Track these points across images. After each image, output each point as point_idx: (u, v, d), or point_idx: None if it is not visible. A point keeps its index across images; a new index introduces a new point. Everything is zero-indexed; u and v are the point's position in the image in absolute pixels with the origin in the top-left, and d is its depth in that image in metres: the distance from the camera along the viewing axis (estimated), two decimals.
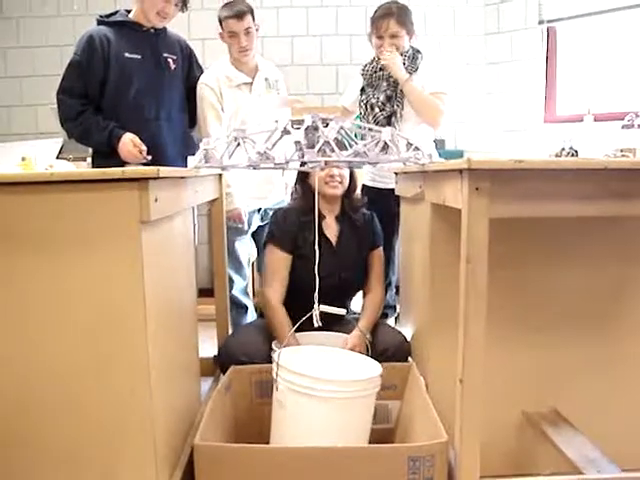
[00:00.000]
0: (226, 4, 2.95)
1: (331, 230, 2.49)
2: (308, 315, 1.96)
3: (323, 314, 1.99)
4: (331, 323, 2.23)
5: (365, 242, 2.55)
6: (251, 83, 3.04)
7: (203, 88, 2.96)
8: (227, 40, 2.97)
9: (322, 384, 1.73)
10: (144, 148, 2.59)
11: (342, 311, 2.01)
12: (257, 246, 3.24)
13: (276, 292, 2.38)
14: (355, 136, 1.81)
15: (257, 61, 3.11)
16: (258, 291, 3.65)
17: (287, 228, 2.45)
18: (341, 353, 2.07)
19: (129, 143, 2.59)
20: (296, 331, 2.09)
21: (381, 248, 2.60)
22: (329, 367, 1.95)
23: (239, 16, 2.86)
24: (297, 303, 2.20)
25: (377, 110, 2.99)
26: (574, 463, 1.67)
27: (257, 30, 2.98)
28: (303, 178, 2.48)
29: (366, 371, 1.89)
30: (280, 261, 2.43)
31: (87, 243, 1.46)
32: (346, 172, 2.44)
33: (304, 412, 1.76)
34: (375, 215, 2.62)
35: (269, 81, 3.11)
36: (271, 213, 2.63)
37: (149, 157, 2.59)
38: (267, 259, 2.49)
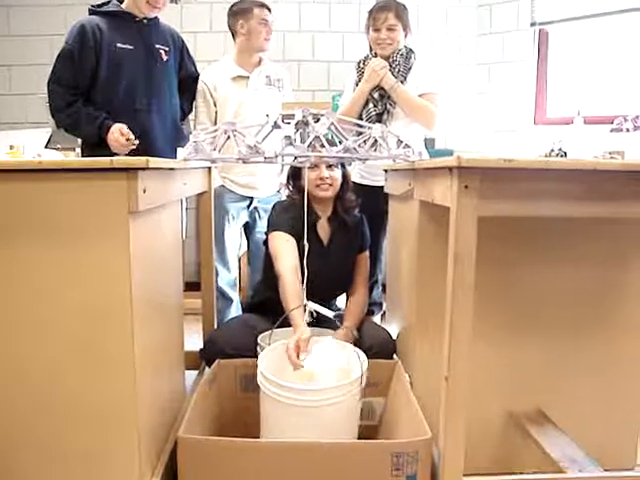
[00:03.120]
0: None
1: (324, 231, 2.48)
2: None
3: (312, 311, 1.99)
4: (318, 320, 2.23)
5: (354, 244, 2.55)
6: (248, 77, 3.11)
7: (199, 82, 3.11)
8: (254, 28, 3.11)
9: (301, 394, 1.73)
10: (132, 136, 2.57)
11: (330, 313, 2.01)
12: (247, 240, 3.30)
13: (286, 263, 2.25)
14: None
15: (262, 58, 3.25)
16: (245, 286, 3.67)
17: (289, 218, 2.40)
18: (326, 346, 2.06)
19: (116, 131, 2.57)
20: (284, 326, 2.09)
21: (367, 252, 2.60)
22: (312, 366, 1.95)
23: (269, 9, 3.15)
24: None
25: (371, 105, 3.00)
26: (557, 463, 1.68)
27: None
28: (295, 178, 2.46)
29: (351, 369, 1.88)
30: (287, 241, 2.32)
31: (74, 232, 1.46)
32: (338, 173, 2.42)
33: (290, 420, 1.76)
34: (365, 218, 2.62)
35: (270, 78, 3.20)
36: (271, 206, 2.61)
37: (137, 142, 2.57)
38: (272, 245, 2.39)
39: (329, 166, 2.38)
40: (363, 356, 1.95)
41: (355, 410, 1.87)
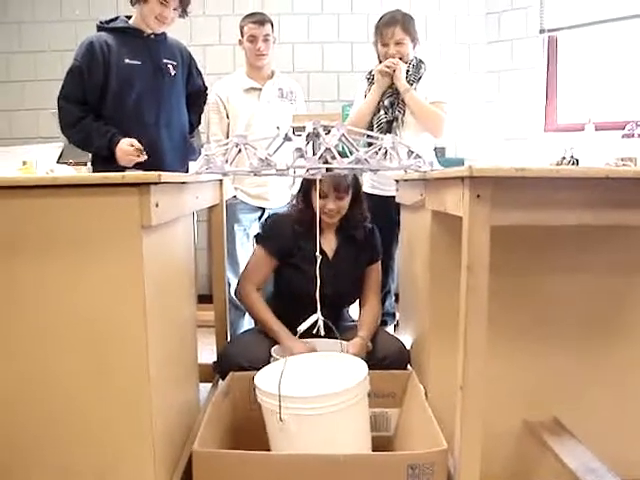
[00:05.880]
0: (249, 14, 3.21)
1: (328, 243, 2.48)
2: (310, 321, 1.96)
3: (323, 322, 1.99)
4: (332, 331, 2.22)
5: (363, 256, 2.53)
6: (260, 89, 3.14)
7: (213, 94, 3.17)
8: (246, 45, 3.18)
9: (302, 402, 1.71)
10: (141, 148, 2.59)
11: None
12: None
13: (254, 286, 2.45)
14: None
15: (274, 71, 3.29)
16: None
17: (278, 233, 2.47)
18: (325, 359, 2.04)
19: (126, 144, 2.59)
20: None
21: (379, 262, 2.58)
22: (312, 380, 1.94)
23: (260, 22, 3.12)
24: (293, 313, 2.19)
25: (382, 112, 3.00)
26: (574, 472, 1.66)
27: (274, 42, 3.21)
28: (306, 191, 2.45)
29: (350, 378, 1.85)
30: (263, 261, 2.47)
31: (88, 248, 1.46)
32: (346, 202, 2.40)
33: (300, 432, 1.74)
34: (376, 228, 2.60)
35: (283, 91, 3.23)
36: (265, 218, 2.64)
37: (145, 156, 2.59)
38: (252, 256, 2.55)
39: (338, 197, 2.36)
40: (364, 365, 1.92)
41: (362, 417, 1.85)
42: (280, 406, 1.70)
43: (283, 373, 1.74)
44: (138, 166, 2.58)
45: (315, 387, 1.80)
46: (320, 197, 2.27)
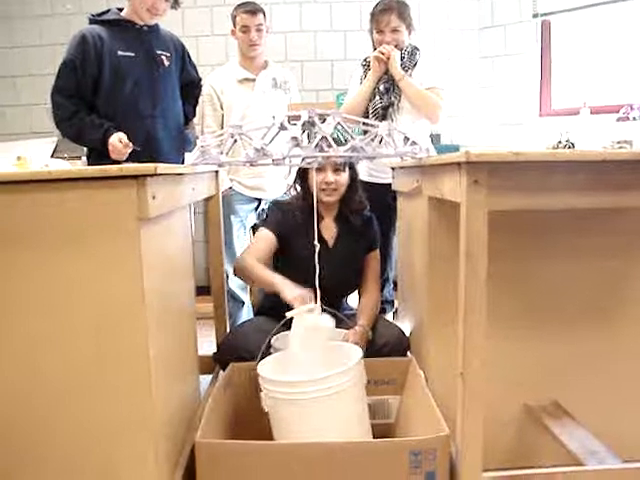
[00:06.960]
0: (241, 3, 3.19)
1: (328, 231, 2.48)
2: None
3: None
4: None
5: (362, 245, 2.53)
6: (254, 80, 3.13)
7: (207, 86, 3.16)
8: (239, 35, 3.17)
9: (299, 387, 1.73)
10: (129, 143, 2.58)
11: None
12: None
13: (254, 258, 2.37)
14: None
15: (267, 61, 3.28)
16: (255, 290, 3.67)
17: (278, 214, 2.48)
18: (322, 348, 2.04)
19: (115, 138, 2.59)
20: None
21: (378, 250, 2.59)
22: (309, 368, 1.94)
23: (253, 12, 3.11)
24: None
25: (377, 98, 3.00)
26: (575, 455, 1.67)
27: (267, 31, 3.21)
28: (303, 178, 2.46)
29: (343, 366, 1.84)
30: (264, 237, 2.43)
31: (85, 241, 1.45)
32: (344, 177, 2.41)
33: (294, 418, 1.76)
34: (374, 217, 2.61)
35: (277, 81, 3.22)
36: (268, 205, 2.65)
37: (131, 146, 2.59)
38: (254, 238, 2.54)
39: (336, 170, 2.37)
40: (359, 352, 1.93)
41: (354, 404, 1.83)
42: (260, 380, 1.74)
43: (265, 358, 1.84)
44: (135, 157, 2.57)
45: (307, 374, 1.80)
46: (317, 171, 2.28)
